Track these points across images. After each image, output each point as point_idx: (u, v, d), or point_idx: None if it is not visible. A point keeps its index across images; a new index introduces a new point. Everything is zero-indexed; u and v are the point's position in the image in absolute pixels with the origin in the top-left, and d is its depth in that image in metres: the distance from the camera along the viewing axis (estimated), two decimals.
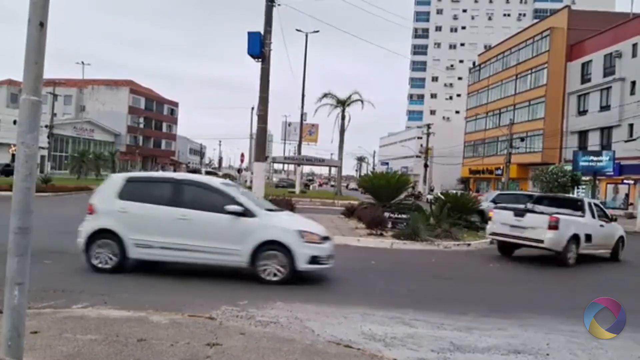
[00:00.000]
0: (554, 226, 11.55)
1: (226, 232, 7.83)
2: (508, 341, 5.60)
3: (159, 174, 10.10)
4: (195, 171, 49.30)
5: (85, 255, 8.05)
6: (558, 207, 13.27)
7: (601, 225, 13.21)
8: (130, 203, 8.08)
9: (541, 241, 11.66)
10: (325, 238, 8.29)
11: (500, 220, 12.69)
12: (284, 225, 8.23)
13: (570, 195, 27.44)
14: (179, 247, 7.82)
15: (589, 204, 13.51)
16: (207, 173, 50.73)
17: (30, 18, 3.18)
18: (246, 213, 7.89)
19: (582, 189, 37.11)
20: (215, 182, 8.78)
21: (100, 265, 7.95)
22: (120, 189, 8.27)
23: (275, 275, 7.78)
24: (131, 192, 8.24)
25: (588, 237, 12.38)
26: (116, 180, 8.64)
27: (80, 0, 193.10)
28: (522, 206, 14.96)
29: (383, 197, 17.64)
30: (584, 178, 34.45)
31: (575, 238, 11.91)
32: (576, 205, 13.46)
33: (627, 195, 37.45)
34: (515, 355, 5.19)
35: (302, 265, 7.82)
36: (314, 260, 7.86)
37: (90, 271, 8.30)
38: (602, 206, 14.85)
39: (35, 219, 3.28)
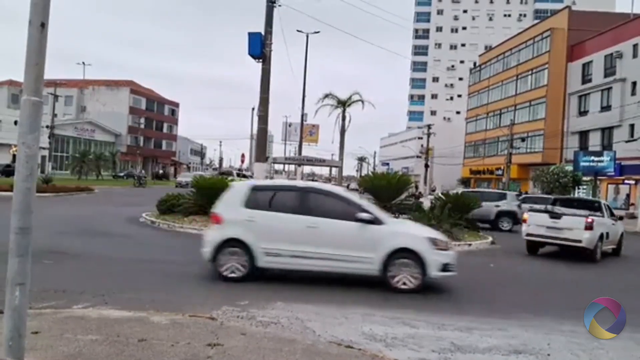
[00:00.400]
0: (589, 227, 12.62)
1: (356, 240, 7.81)
2: (509, 341, 5.60)
3: (284, 181, 9.99)
4: (229, 173, 48.81)
5: (213, 265, 7.97)
6: (576, 208, 14.30)
7: (612, 224, 14.30)
8: (257, 212, 8.00)
9: (579, 241, 12.64)
10: (448, 244, 8.29)
11: (536, 223, 13.49)
12: (413, 232, 8.26)
13: (587, 197, 28.14)
14: (309, 255, 7.77)
15: (605, 205, 14.98)
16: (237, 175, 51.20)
17: (31, 19, 3.18)
18: (375, 220, 7.91)
19: (583, 189, 37.09)
20: (339, 190, 8.85)
21: (229, 275, 7.84)
22: (246, 198, 8.19)
23: (406, 283, 7.72)
24: (257, 200, 8.18)
25: (607, 235, 13.47)
26: (241, 189, 8.56)
27: (80, 1, 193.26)
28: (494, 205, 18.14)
29: (384, 198, 17.61)
30: (584, 178, 34.44)
31: (601, 237, 13.09)
32: (594, 207, 14.73)
33: (628, 196, 37.42)
34: (516, 355, 5.19)
35: (434, 272, 7.77)
36: (445, 267, 7.82)
37: (91, 271, 8.31)
38: (610, 206, 16.11)
39: (35, 220, 3.29)
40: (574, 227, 12.71)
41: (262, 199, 8.29)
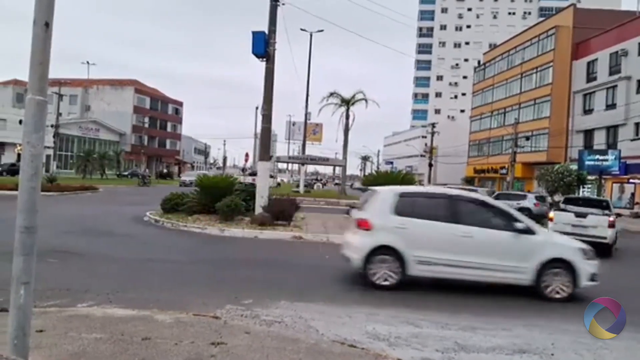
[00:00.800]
0: (612, 225, 14.27)
1: (510, 250, 7.84)
2: (513, 341, 5.58)
3: (431, 189, 10.00)
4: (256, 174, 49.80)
5: (363, 272, 7.90)
6: (588, 207, 15.92)
7: None
8: (407, 219, 7.94)
9: (604, 237, 14.01)
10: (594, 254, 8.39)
11: (562, 221, 14.83)
12: (564, 242, 8.33)
13: (594, 196, 29.57)
14: (463, 264, 7.73)
15: (611, 204, 16.87)
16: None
17: (35, 18, 3.19)
18: (528, 230, 7.97)
19: (588, 188, 36.89)
20: (489, 198, 8.88)
21: (382, 283, 7.79)
22: (394, 205, 8.11)
23: (559, 293, 7.75)
24: (406, 207, 8.09)
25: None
26: (388, 195, 8.43)
27: (83, 1, 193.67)
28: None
29: None
30: (589, 177, 34.24)
31: (615, 233, 14.73)
32: (602, 205, 16.44)
33: (633, 195, 37.19)
34: (520, 355, 5.17)
35: (584, 282, 7.81)
36: (592, 277, 7.87)
37: (96, 270, 8.34)
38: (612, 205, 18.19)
39: (40, 219, 3.30)
40: (599, 225, 14.16)
41: (411, 205, 8.19)
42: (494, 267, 7.72)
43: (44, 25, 3.19)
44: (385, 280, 7.78)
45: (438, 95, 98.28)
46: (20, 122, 3.61)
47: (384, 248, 7.80)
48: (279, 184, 50.44)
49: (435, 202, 8.47)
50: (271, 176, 57.75)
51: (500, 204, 8.69)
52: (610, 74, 40.38)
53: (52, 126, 47.09)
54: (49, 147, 47.31)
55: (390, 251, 7.78)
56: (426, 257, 7.74)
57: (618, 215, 16.83)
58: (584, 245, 8.27)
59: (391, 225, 7.92)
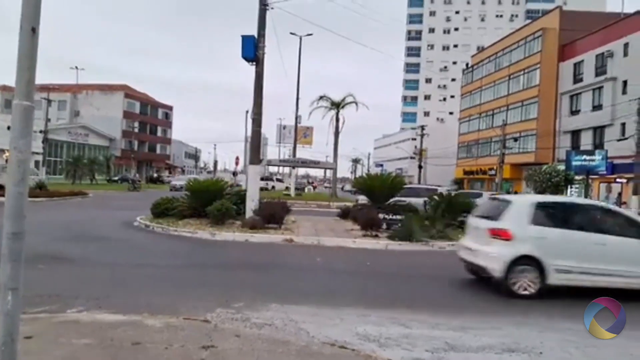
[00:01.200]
0: None
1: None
2: (502, 340, 5.63)
3: (564, 198, 10.15)
4: (269, 178, 49.91)
5: (504, 282, 7.94)
6: None
7: None
8: (546, 229, 8.11)
9: None
10: None
11: None
12: None
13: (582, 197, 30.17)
14: (597, 272, 7.89)
15: None
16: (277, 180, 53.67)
17: (21, 24, 3.19)
18: None
19: (575, 188, 37.32)
20: (620, 208, 9.07)
21: (521, 292, 7.87)
22: (531, 215, 8.23)
23: None
24: (542, 217, 8.26)
25: None
26: (524, 205, 8.57)
27: (73, 6, 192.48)
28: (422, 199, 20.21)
29: (378, 198, 17.70)
30: (577, 177, 34.63)
31: None
32: None
33: (619, 194, 37.67)
34: (510, 354, 5.22)
35: None
36: None
37: (86, 275, 8.29)
38: None
39: (29, 225, 3.29)
40: None
41: (547, 215, 8.38)
42: (627, 273, 7.96)
43: (30, 31, 3.19)
44: (525, 289, 7.88)
45: (427, 97, 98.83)
46: (9, 128, 3.59)
47: (525, 258, 7.90)
48: (287, 188, 49.69)
49: (569, 211, 8.80)
50: (280, 180, 58.57)
51: (630, 212, 9.02)
52: (597, 75, 40.94)
53: (41, 132, 46.67)
54: (37, 153, 46.87)
55: (530, 261, 7.89)
56: (565, 266, 7.89)
57: None
58: None
59: (531, 235, 8.05)
